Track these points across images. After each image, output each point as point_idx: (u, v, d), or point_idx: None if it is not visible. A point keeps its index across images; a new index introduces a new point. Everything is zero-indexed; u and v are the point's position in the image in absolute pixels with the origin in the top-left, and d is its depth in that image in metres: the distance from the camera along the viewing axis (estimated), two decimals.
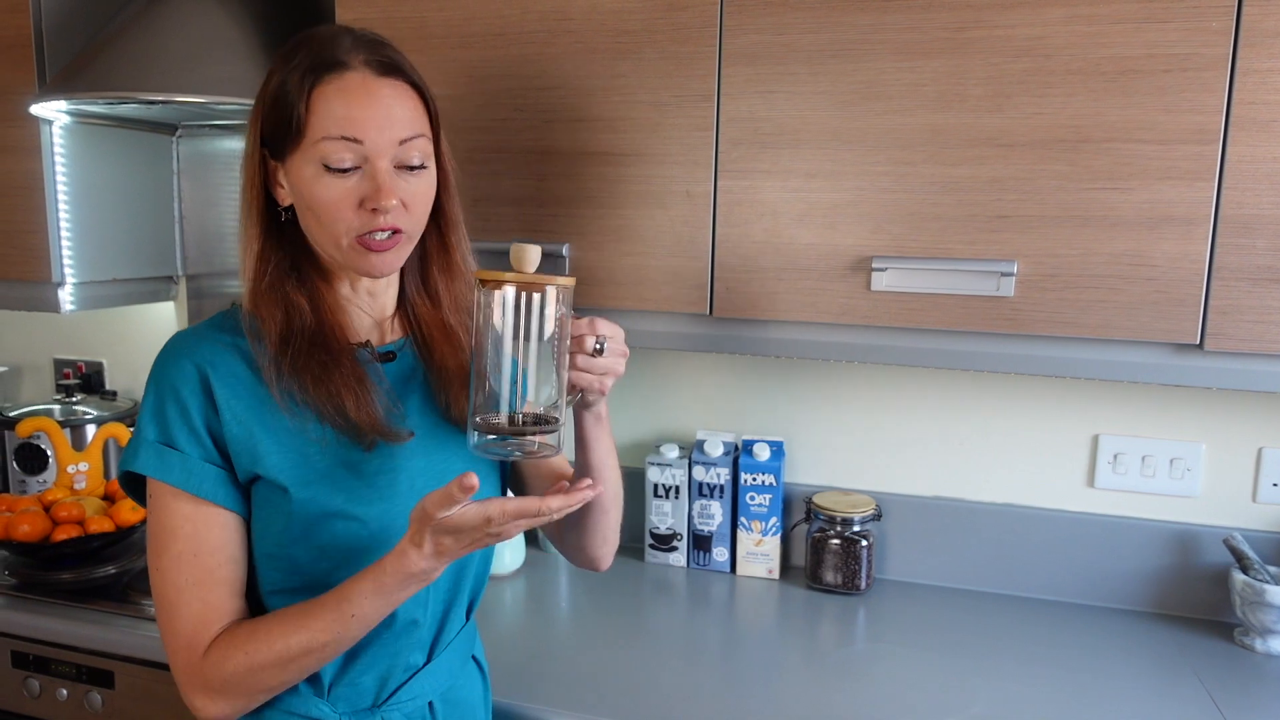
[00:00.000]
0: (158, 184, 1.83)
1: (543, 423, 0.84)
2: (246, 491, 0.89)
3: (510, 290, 0.83)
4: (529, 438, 0.84)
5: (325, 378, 0.88)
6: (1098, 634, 1.36)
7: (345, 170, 0.85)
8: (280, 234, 0.92)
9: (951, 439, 1.53)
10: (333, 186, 0.85)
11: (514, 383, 0.84)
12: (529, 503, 0.78)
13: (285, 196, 0.90)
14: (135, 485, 0.91)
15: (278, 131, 0.87)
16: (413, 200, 0.89)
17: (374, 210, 0.86)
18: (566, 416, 0.88)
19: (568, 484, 0.84)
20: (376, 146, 0.85)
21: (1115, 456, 1.45)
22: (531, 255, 0.84)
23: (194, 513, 0.87)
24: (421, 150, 0.89)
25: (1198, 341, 1.09)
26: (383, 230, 0.87)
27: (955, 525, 1.52)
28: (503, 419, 0.84)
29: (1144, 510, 1.46)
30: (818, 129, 1.18)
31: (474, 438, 0.84)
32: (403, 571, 0.81)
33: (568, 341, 0.86)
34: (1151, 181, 1.07)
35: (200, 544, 0.86)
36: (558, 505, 0.80)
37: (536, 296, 0.84)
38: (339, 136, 0.84)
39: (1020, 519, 1.49)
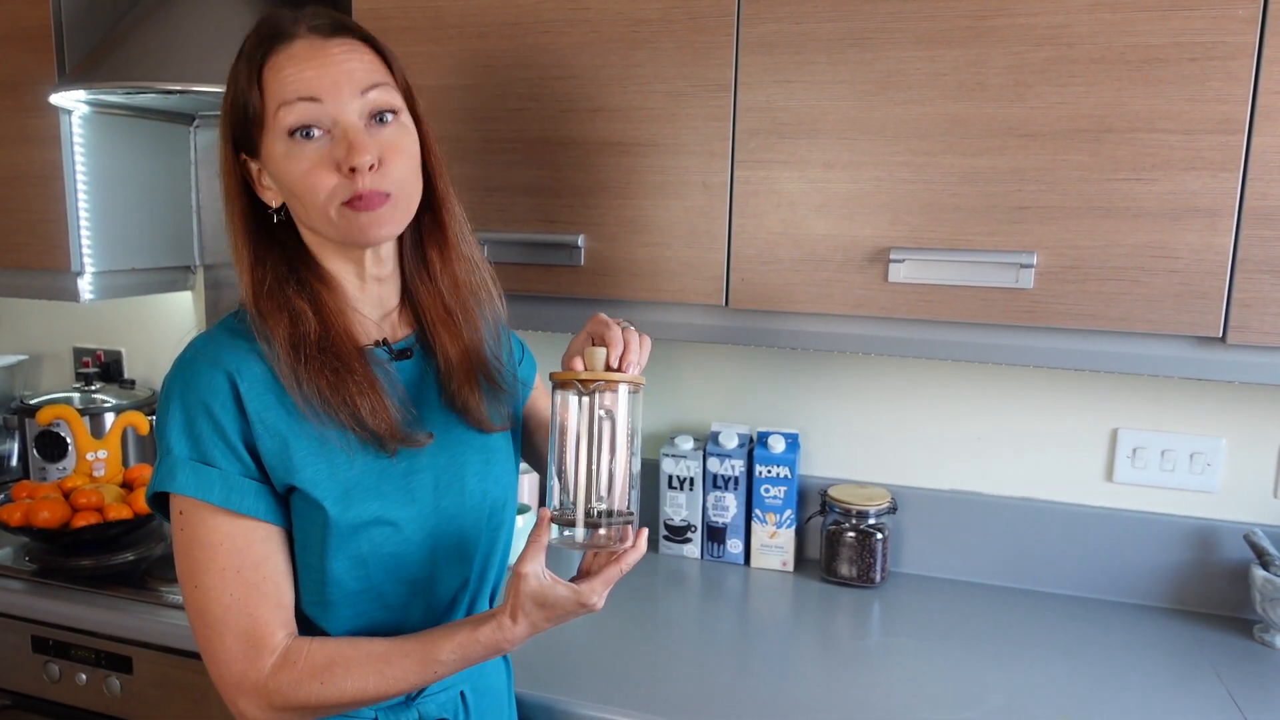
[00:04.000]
0: (175, 174, 1.84)
1: (615, 516, 0.86)
2: (285, 501, 0.88)
3: (585, 393, 0.86)
4: (601, 532, 0.86)
5: (339, 385, 0.86)
6: (1115, 629, 1.35)
7: (313, 137, 0.82)
8: (271, 238, 0.89)
9: (968, 432, 1.52)
10: (303, 156, 0.82)
11: (590, 478, 0.86)
12: (609, 571, 0.84)
13: (274, 196, 0.88)
14: (160, 500, 0.88)
15: (243, 127, 0.84)
16: (389, 154, 0.84)
17: (352, 170, 0.82)
18: (638, 507, 0.89)
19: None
20: (338, 103, 0.82)
21: (1134, 450, 1.44)
22: (601, 355, 0.87)
23: (235, 529, 0.84)
24: (388, 99, 0.85)
25: (1220, 335, 1.08)
26: (362, 194, 0.83)
27: (972, 519, 1.51)
28: (578, 514, 0.85)
29: (1163, 505, 1.44)
30: (836, 119, 1.17)
31: (554, 530, 0.86)
32: (495, 644, 0.84)
33: (639, 436, 0.89)
34: (1175, 172, 1.06)
35: (243, 559, 0.84)
36: (632, 560, 0.85)
37: (609, 396, 0.86)
38: (295, 99, 0.81)
39: (1037, 513, 1.48)
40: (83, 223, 1.62)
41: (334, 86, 0.82)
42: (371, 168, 0.83)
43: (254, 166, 0.87)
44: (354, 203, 0.84)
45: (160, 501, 0.88)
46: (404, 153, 0.87)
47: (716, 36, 1.20)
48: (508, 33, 1.29)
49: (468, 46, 1.31)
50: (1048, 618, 1.38)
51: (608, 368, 0.87)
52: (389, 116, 0.85)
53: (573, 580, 0.84)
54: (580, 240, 1.29)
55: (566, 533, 0.85)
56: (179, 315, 1.97)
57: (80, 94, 1.47)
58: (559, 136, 1.29)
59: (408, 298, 0.97)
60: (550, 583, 0.82)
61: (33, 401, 1.85)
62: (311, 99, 0.81)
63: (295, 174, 0.83)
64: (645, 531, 0.86)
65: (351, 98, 0.83)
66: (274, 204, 0.88)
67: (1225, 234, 1.05)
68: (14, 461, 1.96)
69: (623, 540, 0.86)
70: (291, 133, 0.82)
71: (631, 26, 1.23)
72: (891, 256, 1.16)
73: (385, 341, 0.94)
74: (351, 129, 0.83)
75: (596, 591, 0.83)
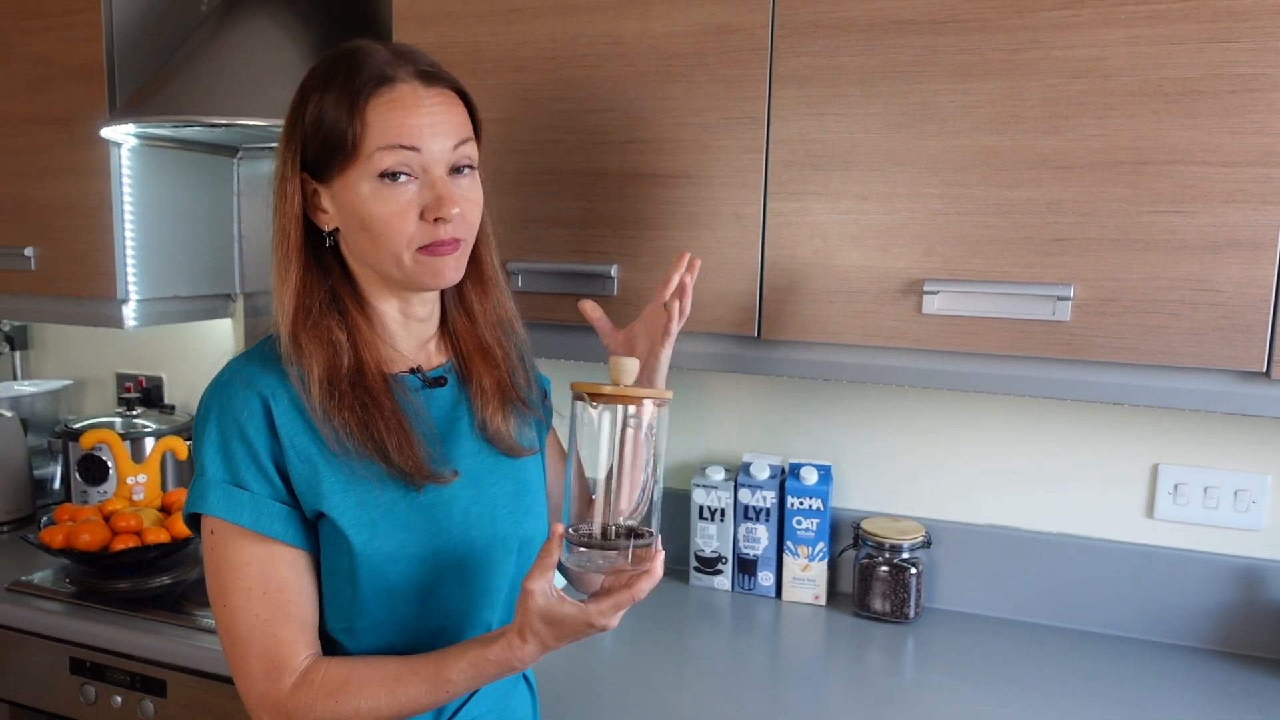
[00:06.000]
0: (218, 204, 1.89)
1: (635, 536, 0.83)
2: (314, 526, 0.89)
3: (608, 407, 0.83)
4: (614, 554, 0.82)
5: (367, 420, 0.86)
6: (1157, 671, 1.31)
7: (400, 181, 0.84)
8: (317, 263, 0.90)
9: (1005, 466, 1.50)
10: (392, 199, 0.84)
11: (610, 498, 0.83)
12: (620, 596, 0.80)
13: (330, 221, 0.88)
14: (195, 517, 0.89)
15: (325, 151, 0.85)
16: (468, 206, 0.88)
17: (436, 220, 0.85)
18: (658, 527, 0.86)
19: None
20: (432, 154, 0.84)
21: (1176, 487, 1.41)
22: (630, 368, 0.84)
23: (262, 551, 0.86)
24: (471, 154, 0.89)
25: (1264, 369, 1.06)
26: (444, 241, 0.86)
27: (1008, 555, 1.48)
28: (594, 533, 0.83)
29: (1207, 543, 1.41)
30: (870, 151, 1.17)
31: (568, 549, 0.83)
32: (505, 662, 0.83)
33: (662, 456, 0.85)
34: (1216, 204, 1.04)
35: (269, 581, 0.86)
36: (646, 586, 0.81)
37: (634, 410, 0.83)
38: (396, 145, 0.83)
39: (1076, 549, 1.45)
40: (129, 252, 1.67)
41: (431, 137, 0.84)
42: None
43: (311, 188, 0.88)
44: (432, 248, 0.86)
45: (195, 518, 0.89)
46: (477, 204, 0.90)
47: (749, 70, 1.21)
48: (544, 66, 1.31)
49: (505, 80, 1.33)
50: (1087, 658, 1.35)
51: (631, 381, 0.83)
52: (467, 170, 0.88)
53: (588, 599, 0.82)
54: (614, 270, 1.30)
55: (581, 551, 0.82)
56: (218, 342, 2.01)
57: (130, 127, 1.52)
58: (593, 168, 1.30)
59: (445, 328, 0.99)
60: (557, 601, 0.80)
61: (76, 426, 1.89)
62: (412, 148, 0.84)
63: (379, 215, 0.85)
64: (662, 555, 0.82)
65: (445, 151, 0.86)
66: (327, 228, 0.89)
67: (1268, 267, 1.04)
68: (56, 484, 2.00)
69: (640, 563, 0.81)
70: (381, 174, 0.84)
71: (666, 60, 1.25)
72: (926, 288, 1.15)
73: (419, 369, 0.95)
74: (440, 181, 0.85)
75: (605, 614, 0.80)
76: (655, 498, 0.85)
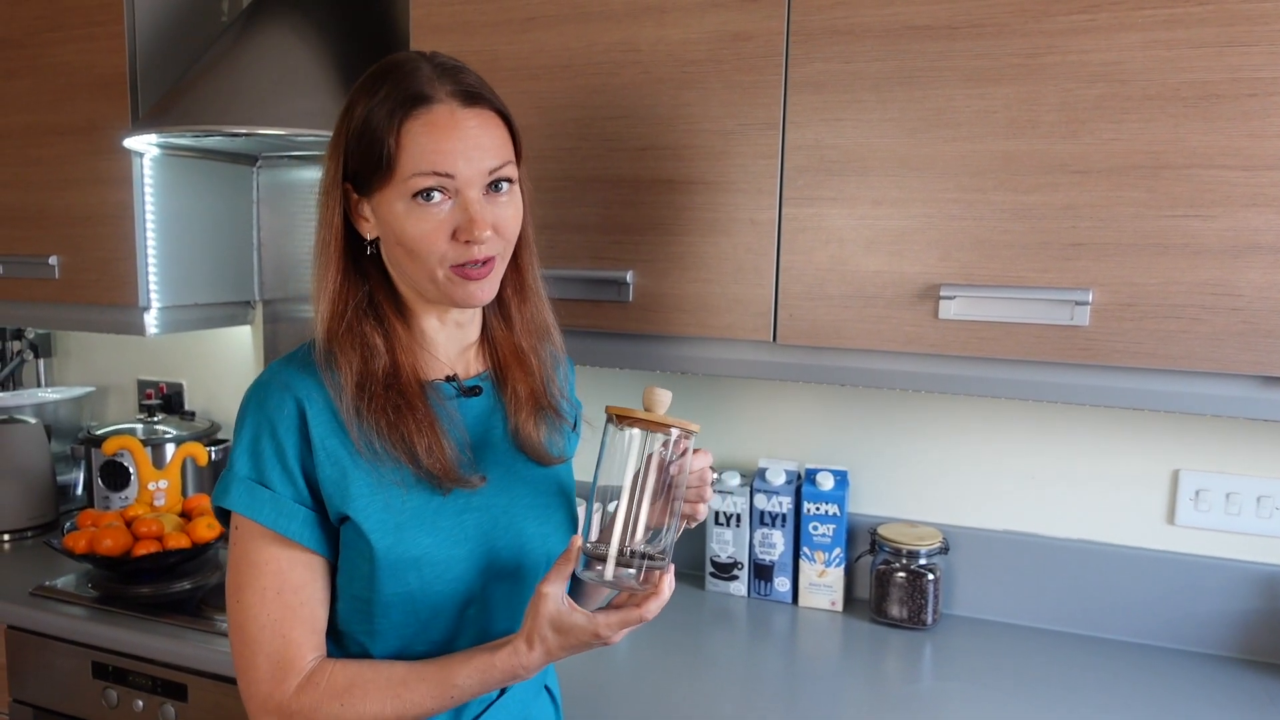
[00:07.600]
0: (238, 212, 1.91)
1: (646, 559, 0.85)
2: (335, 533, 0.89)
3: (640, 431, 0.85)
4: (629, 572, 0.84)
5: (399, 422, 0.87)
6: (1179, 679, 1.30)
7: (437, 201, 0.85)
8: (357, 268, 0.91)
9: (1023, 471, 1.49)
10: (425, 219, 0.85)
11: (629, 518, 0.85)
12: (629, 613, 0.83)
13: (370, 230, 0.90)
14: (224, 511, 0.91)
15: (365, 167, 0.86)
16: (503, 225, 0.88)
17: (468, 242, 0.85)
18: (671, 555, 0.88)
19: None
20: (466, 178, 0.85)
21: (1197, 493, 1.40)
22: (663, 399, 0.86)
23: (280, 552, 0.87)
24: (509, 176, 0.89)
25: None
26: (477, 261, 0.86)
27: (1027, 561, 1.47)
28: (610, 551, 0.84)
29: (1229, 550, 1.39)
30: (885, 156, 1.17)
31: (584, 563, 0.85)
32: (511, 669, 0.84)
33: (684, 486, 0.88)
34: (1236, 208, 1.04)
35: (284, 582, 0.87)
36: (654, 608, 0.83)
37: (664, 438, 0.85)
38: (430, 172, 0.83)
39: (1096, 556, 1.44)
40: (150, 260, 1.69)
41: (466, 162, 0.85)
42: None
43: (354, 198, 0.90)
44: (464, 269, 0.87)
45: (226, 514, 0.91)
46: (513, 221, 0.90)
47: (764, 76, 1.21)
48: (560, 74, 1.32)
49: (521, 88, 1.34)
50: (1107, 665, 1.34)
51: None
52: (505, 185, 0.89)
53: (597, 611, 0.84)
54: (629, 276, 1.30)
55: (597, 567, 0.85)
56: (238, 349, 2.03)
57: (152, 137, 1.54)
58: (609, 174, 1.31)
59: (485, 335, 1.00)
60: (568, 609, 0.82)
61: (98, 432, 1.91)
62: (446, 174, 0.84)
63: (413, 233, 0.85)
64: (670, 577, 0.84)
65: (480, 175, 0.86)
66: (369, 236, 0.90)
67: None
68: (79, 490, 2.02)
69: (649, 584, 0.84)
70: (415, 194, 0.85)
71: (681, 67, 1.25)
72: (942, 293, 1.15)
73: (455, 377, 0.95)
74: (473, 203, 0.86)
75: (613, 627, 0.82)
76: (674, 525, 0.87)
